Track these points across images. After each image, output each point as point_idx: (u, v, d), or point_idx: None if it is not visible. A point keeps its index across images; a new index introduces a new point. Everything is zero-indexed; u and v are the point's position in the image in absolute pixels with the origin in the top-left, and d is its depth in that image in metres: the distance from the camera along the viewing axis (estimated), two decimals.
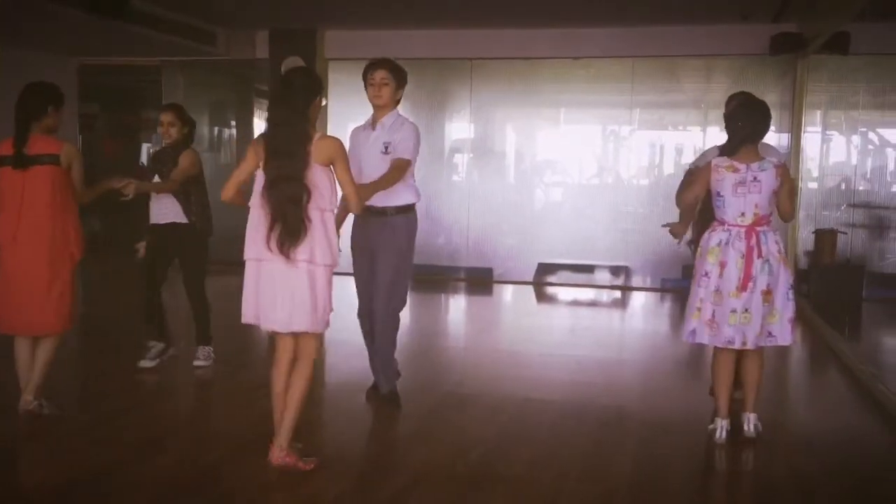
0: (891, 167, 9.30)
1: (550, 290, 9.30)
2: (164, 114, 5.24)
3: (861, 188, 9.08)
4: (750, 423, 4.14)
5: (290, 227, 3.40)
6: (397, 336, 4.58)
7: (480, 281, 9.50)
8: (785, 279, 4.02)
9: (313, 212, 3.45)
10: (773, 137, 8.54)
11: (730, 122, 4.12)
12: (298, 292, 3.47)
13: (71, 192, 4.25)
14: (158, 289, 5.28)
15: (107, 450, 3.87)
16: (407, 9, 8.22)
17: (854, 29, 7.31)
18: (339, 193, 3.63)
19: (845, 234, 8.48)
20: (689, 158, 9.70)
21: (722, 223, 4.04)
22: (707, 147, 5.30)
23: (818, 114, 8.94)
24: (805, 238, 8.72)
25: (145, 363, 5.23)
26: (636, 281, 9.32)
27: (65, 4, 7.13)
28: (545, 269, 9.49)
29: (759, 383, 4.18)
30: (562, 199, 9.93)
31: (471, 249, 9.72)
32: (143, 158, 13.11)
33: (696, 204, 4.24)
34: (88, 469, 3.63)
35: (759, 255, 3.95)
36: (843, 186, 9.15)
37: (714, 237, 4.04)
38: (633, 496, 3.48)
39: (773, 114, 4.40)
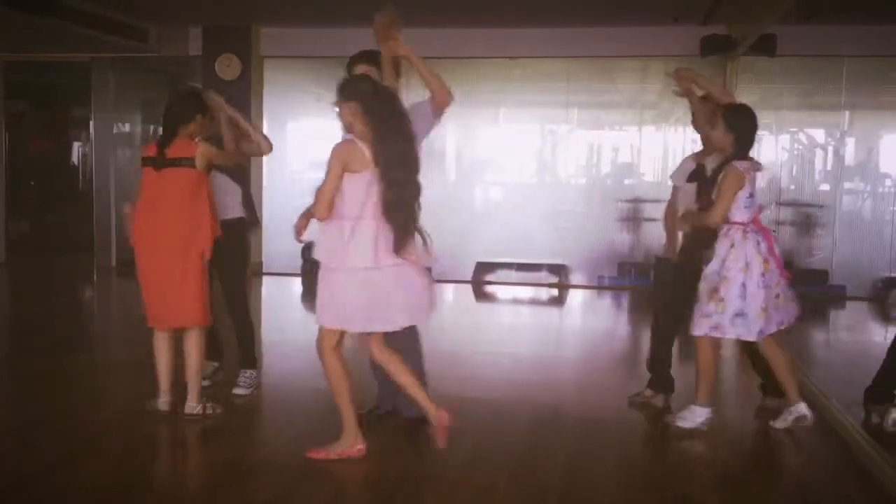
0: (817, 166, 9.58)
1: (489, 288, 9.34)
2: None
3: (789, 187, 9.35)
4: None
5: None
6: None
7: None
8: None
9: None
10: None
11: (740, 124, 4.34)
12: None
13: (205, 192, 4.25)
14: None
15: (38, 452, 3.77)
16: (344, 6, 8.15)
17: (780, 31, 7.51)
18: None
19: (774, 231, 8.71)
20: (625, 158, 9.86)
21: (744, 223, 4.21)
22: (682, 158, 5.10)
23: None
24: None
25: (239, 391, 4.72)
26: (574, 279, 9.42)
27: None
28: (484, 268, 9.54)
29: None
30: (500, 199, 9.98)
31: None
32: (74, 157, 12.76)
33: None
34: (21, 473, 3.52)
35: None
36: (772, 185, 9.40)
37: (738, 238, 4.19)
38: (566, 493, 3.51)
39: None
